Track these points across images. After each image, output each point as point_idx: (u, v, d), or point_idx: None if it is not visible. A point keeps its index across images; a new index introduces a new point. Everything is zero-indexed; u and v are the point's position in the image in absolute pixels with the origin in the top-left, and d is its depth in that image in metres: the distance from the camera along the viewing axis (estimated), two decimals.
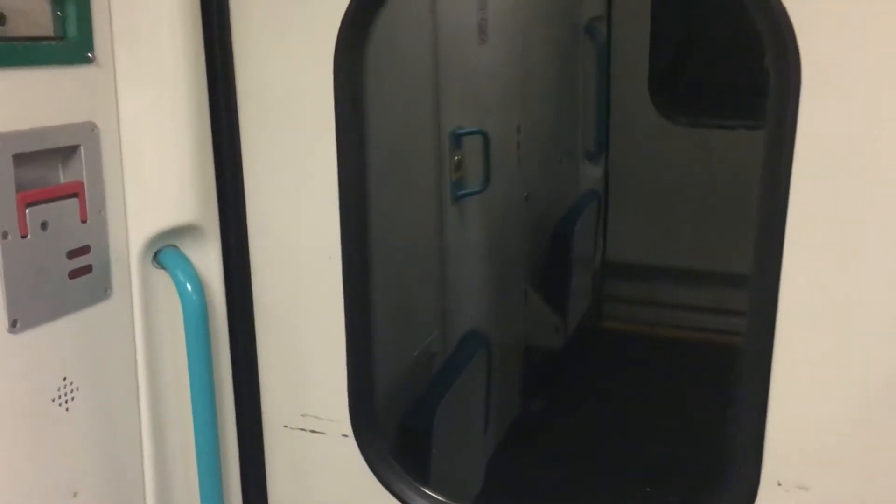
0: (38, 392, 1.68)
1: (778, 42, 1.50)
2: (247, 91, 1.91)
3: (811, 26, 1.47)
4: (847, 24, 1.47)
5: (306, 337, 2.01)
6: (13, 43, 1.60)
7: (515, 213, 4.17)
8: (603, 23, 5.21)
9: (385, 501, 2.02)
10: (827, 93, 1.49)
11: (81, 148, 1.72)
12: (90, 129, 1.74)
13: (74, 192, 1.72)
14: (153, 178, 1.84)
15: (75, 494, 1.78)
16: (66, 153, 1.71)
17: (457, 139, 3.34)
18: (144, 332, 1.88)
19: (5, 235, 1.57)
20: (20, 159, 1.59)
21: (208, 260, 1.95)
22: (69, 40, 1.69)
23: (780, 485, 1.67)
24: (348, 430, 2.02)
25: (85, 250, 1.74)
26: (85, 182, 1.73)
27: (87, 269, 1.75)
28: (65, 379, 1.73)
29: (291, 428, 2.08)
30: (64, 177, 1.72)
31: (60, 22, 1.69)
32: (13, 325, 1.60)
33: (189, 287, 1.87)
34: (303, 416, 2.06)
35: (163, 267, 1.88)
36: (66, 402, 1.73)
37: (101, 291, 1.79)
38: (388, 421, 2.83)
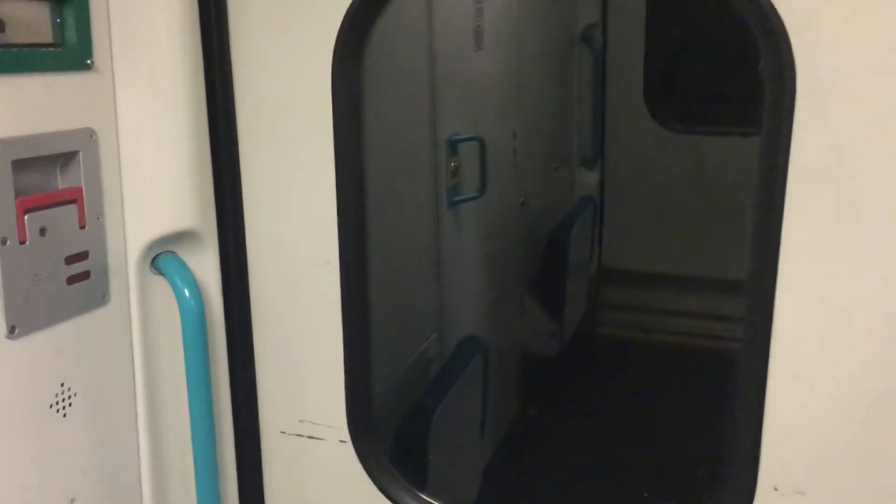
0: (36, 398, 1.68)
1: (773, 49, 1.51)
2: (245, 98, 1.92)
3: (806, 33, 1.48)
4: (843, 32, 1.48)
5: (304, 342, 2.02)
6: (12, 49, 1.60)
7: (512, 219, 4.18)
8: (598, 30, 5.23)
9: None
10: (822, 99, 1.50)
11: (80, 154, 1.72)
12: (89, 135, 1.74)
13: (73, 198, 1.72)
14: (151, 185, 1.84)
15: (73, 500, 1.78)
16: (65, 159, 1.71)
17: (453, 145, 3.35)
18: (142, 337, 1.88)
19: (4, 241, 1.58)
20: (19, 165, 1.60)
21: (206, 266, 1.95)
22: (68, 47, 1.70)
23: (776, 490, 1.67)
24: (346, 435, 2.02)
25: (83, 256, 1.75)
26: (83, 188, 1.73)
27: (85, 275, 1.75)
28: (63, 385, 1.73)
29: (289, 434, 2.08)
30: (62, 183, 1.72)
31: (59, 29, 1.69)
32: (11, 331, 1.60)
33: (187, 293, 1.87)
34: (300, 421, 2.06)
35: (161, 273, 1.89)
36: (64, 407, 1.73)
37: (100, 297, 1.80)
38: (386, 427, 2.83)
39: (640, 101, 5.27)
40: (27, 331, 1.64)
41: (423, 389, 3.14)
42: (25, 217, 1.61)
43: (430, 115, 3.20)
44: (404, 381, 3.07)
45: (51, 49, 1.68)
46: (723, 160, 4.91)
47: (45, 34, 1.68)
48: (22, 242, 1.61)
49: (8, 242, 1.58)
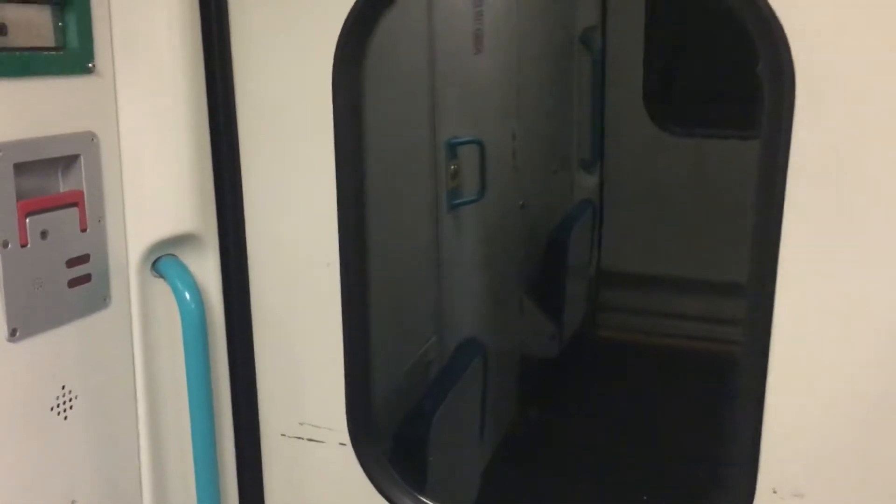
0: (37, 400, 1.68)
1: (771, 51, 1.51)
2: (246, 101, 1.92)
3: (805, 34, 1.48)
4: (841, 33, 1.48)
5: (304, 345, 2.02)
6: (14, 53, 1.61)
7: (511, 221, 4.18)
8: (597, 32, 5.23)
9: None
10: (821, 102, 1.50)
11: (81, 157, 1.72)
12: (90, 138, 1.74)
13: (74, 201, 1.72)
14: (152, 188, 1.85)
15: (73, 502, 1.78)
16: (66, 162, 1.72)
17: (452, 148, 3.35)
18: (143, 340, 1.88)
19: (5, 244, 1.58)
20: (21, 168, 1.60)
21: (207, 269, 1.96)
22: (70, 51, 1.70)
23: (775, 492, 1.67)
24: (346, 438, 2.02)
25: (84, 259, 1.75)
26: (85, 191, 1.74)
27: (86, 278, 1.76)
28: (63, 387, 1.73)
29: (289, 436, 2.08)
30: (64, 186, 1.73)
31: (61, 32, 1.70)
32: (12, 334, 1.61)
33: (187, 296, 1.87)
34: (300, 424, 2.06)
35: (161, 276, 1.89)
36: (65, 410, 1.74)
37: (100, 300, 1.80)
38: (386, 429, 2.83)
39: (640, 103, 5.27)
40: (28, 333, 1.64)
41: (423, 391, 3.14)
42: (27, 220, 1.62)
43: (429, 117, 3.21)
44: (404, 383, 3.07)
45: (52, 53, 1.68)
46: (722, 162, 4.91)
47: (46, 38, 1.68)
48: (23, 245, 1.61)
49: (9, 245, 1.59)
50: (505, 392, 4.15)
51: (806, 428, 1.65)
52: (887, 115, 1.48)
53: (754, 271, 1.65)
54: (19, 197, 1.60)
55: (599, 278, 5.52)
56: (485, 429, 3.53)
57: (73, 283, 1.73)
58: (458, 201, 3.42)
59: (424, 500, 2.04)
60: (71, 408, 1.75)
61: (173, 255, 1.91)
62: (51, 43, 1.69)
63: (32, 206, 1.63)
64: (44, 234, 1.66)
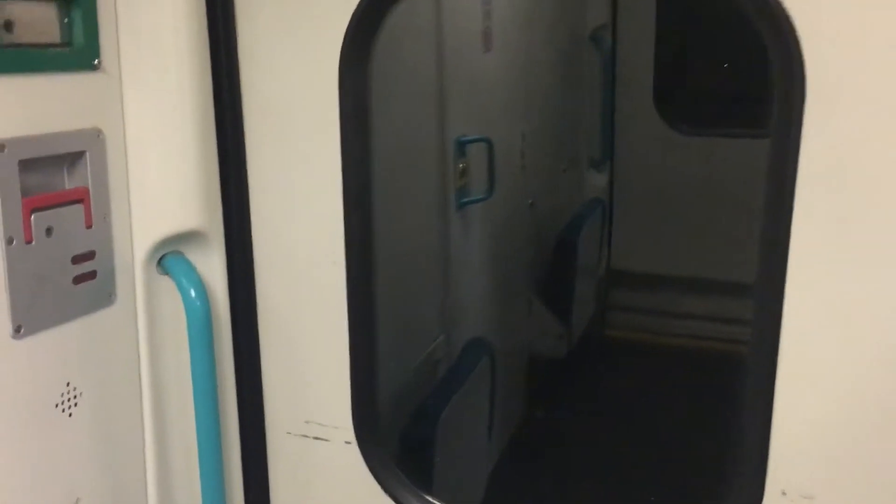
0: (41, 397, 1.68)
1: (782, 51, 1.49)
2: (252, 97, 1.91)
3: (816, 34, 1.47)
4: (853, 33, 1.46)
5: (310, 343, 2.01)
6: (20, 49, 1.60)
7: (520, 220, 4.17)
8: (608, 31, 5.22)
9: None
10: (832, 101, 1.48)
11: (87, 154, 1.72)
12: (96, 135, 1.74)
13: (80, 197, 1.72)
14: (158, 185, 1.84)
15: (77, 501, 1.78)
16: (72, 159, 1.71)
17: (461, 146, 3.34)
18: (148, 337, 1.87)
19: (10, 241, 1.58)
20: (26, 165, 1.60)
21: (212, 266, 1.95)
22: (75, 47, 1.70)
23: (784, 494, 1.66)
24: (351, 437, 2.02)
25: (89, 256, 1.75)
26: (90, 188, 1.73)
27: (91, 275, 1.75)
28: (68, 384, 1.73)
29: (294, 434, 2.08)
30: (69, 182, 1.72)
31: (67, 29, 1.69)
32: (17, 331, 1.61)
33: (193, 293, 1.87)
34: (306, 422, 2.06)
35: (167, 273, 1.89)
36: (70, 407, 1.73)
37: (106, 297, 1.80)
38: (392, 428, 2.83)
39: (650, 102, 5.26)
40: (33, 330, 1.64)
41: (430, 391, 3.13)
42: (32, 217, 1.61)
43: (438, 115, 3.20)
44: (411, 382, 3.06)
45: (58, 49, 1.68)
46: (732, 162, 4.89)
47: (52, 34, 1.68)
48: (28, 242, 1.61)
49: (14, 242, 1.58)
50: (513, 392, 4.14)
51: (815, 429, 1.63)
52: None
53: (763, 272, 1.64)
54: (24, 193, 1.60)
55: (609, 277, 5.50)
56: (492, 429, 3.53)
57: (79, 279, 1.73)
58: (466, 200, 3.42)
59: (430, 499, 2.03)
60: (75, 405, 1.75)
61: (179, 253, 1.90)
62: (57, 39, 1.68)
63: (37, 202, 1.63)
64: (49, 231, 1.65)
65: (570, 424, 4.35)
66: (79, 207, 1.72)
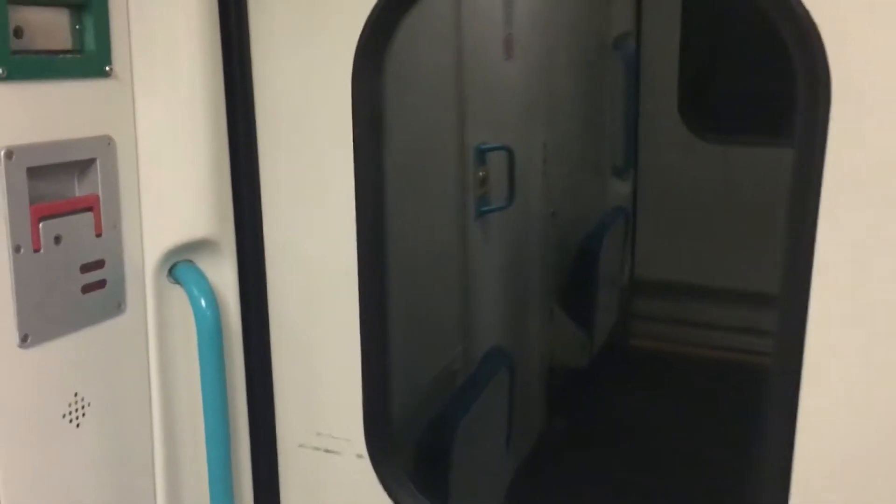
0: (49, 407, 1.66)
1: (807, 56, 1.46)
2: (265, 105, 1.89)
3: (841, 39, 1.43)
4: (878, 38, 1.42)
5: (322, 354, 1.99)
6: (31, 56, 1.59)
7: (541, 229, 4.13)
8: (632, 38, 5.18)
9: None
10: (857, 109, 1.44)
11: (97, 161, 1.70)
12: (106, 142, 1.72)
13: (89, 205, 1.70)
14: (169, 193, 1.82)
15: None
16: (82, 166, 1.69)
17: (481, 155, 3.32)
18: (158, 347, 1.85)
19: (18, 249, 1.56)
20: (35, 172, 1.58)
21: (224, 275, 1.93)
22: (87, 53, 1.69)
23: None
24: (363, 450, 1.98)
25: (99, 265, 1.73)
26: (100, 196, 1.72)
27: (100, 284, 1.73)
28: (76, 395, 1.71)
29: (306, 447, 2.05)
30: (79, 190, 1.70)
31: (78, 35, 1.68)
32: (24, 340, 1.59)
33: (204, 303, 1.84)
34: (318, 434, 2.03)
35: (178, 282, 1.86)
36: (77, 418, 1.71)
37: (115, 306, 1.78)
38: (408, 440, 2.79)
39: (674, 110, 5.21)
40: (40, 339, 1.62)
41: (447, 402, 3.10)
42: (40, 225, 1.60)
43: (457, 123, 3.17)
44: (427, 393, 3.03)
45: (69, 56, 1.66)
46: (757, 170, 4.82)
47: (63, 41, 1.67)
48: (36, 250, 1.59)
49: (22, 250, 1.57)
50: (532, 402, 4.10)
51: (839, 448, 1.59)
52: None
53: (787, 282, 1.60)
54: (33, 201, 1.58)
55: (632, 287, 5.45)
56: (511, 440, 3.48)
57: (87, 288, 1.71)
58: (485, 208, 3.39)
59: None
60: (83, 415, 1.73)
61: (190, 262, 1.88)
62: (68, 46, 1.67)
63: (46, 210, 1.61)
64: (57, 240, 1.63)
65: (590, 435, 4.30)
66: (88, 216, 1.70)
